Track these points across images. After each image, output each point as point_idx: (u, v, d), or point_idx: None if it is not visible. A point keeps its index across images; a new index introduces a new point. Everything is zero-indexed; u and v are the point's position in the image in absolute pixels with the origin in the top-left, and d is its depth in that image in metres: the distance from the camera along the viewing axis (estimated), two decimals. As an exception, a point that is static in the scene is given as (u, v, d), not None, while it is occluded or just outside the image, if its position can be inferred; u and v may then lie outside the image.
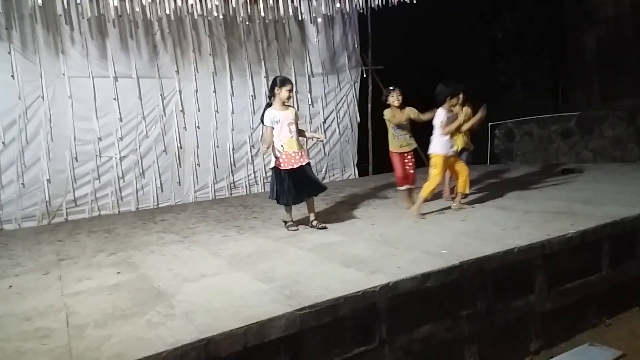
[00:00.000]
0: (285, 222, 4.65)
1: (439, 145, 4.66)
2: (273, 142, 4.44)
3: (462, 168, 4.77)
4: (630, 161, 7.44)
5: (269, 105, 4.54)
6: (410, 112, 5.03)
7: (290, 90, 4.46)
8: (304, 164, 4.46)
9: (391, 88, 5.10)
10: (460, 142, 5.31)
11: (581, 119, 8.20)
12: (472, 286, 2.99)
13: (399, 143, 5.06)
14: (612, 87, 7.98)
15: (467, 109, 5.29)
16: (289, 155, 4.42)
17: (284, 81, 4.52)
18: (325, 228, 4.51)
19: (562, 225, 3.61)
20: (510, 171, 7.34)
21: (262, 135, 4.61)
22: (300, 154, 4.47)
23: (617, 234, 3.61)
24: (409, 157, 5.13)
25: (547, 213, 4.15)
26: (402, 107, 5.05)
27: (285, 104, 4.50)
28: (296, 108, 4.76)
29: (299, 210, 4.98)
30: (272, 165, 4.53)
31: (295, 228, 4.54)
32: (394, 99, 5.02)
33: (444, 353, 2.88)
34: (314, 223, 4.58)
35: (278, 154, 4.44)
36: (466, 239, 3.52)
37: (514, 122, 9.18)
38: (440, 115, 4.67)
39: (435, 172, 4.66)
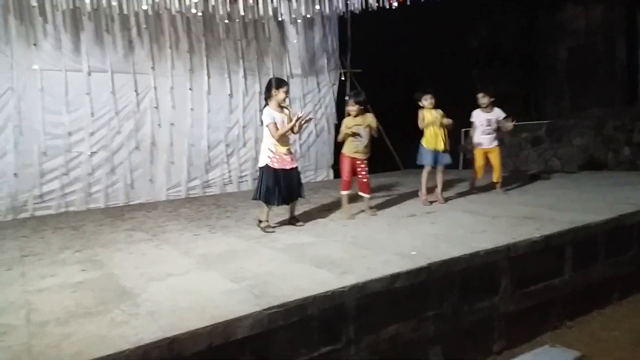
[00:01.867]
0: (261, 222, 4.58)
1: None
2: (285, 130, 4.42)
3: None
4: (596, 169, 7.69)
5: (266, 105, 4.55)
6: (372, 121, 4.96)
7: (287, 92, 4.48)
8: (294, 166, 4.53)
9: (346, 98, 5.05)
10: (440, 143, 5.37)
11: (551, 127, 8.45)
12: (439, 287, 3.04)
13: (354, 148, 4.91)
14: (581, 97, 8.27)
15: (439, 111, 5.35)
16: (281, 156, 4.45)
17: (281, 82, 4.55)
18: (302, 225, 4.63)
19: (528, 229, 3.71)
20: (481, 177, 7.47)
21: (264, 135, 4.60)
22: (290, 156, 4.53)
23: (580, 240, 3.73)
24: (362, 165, 4.97)
25: (514, 217, 4.26)
26: (363, 114, 4.95)
27: (282, 105, 4.52)
28: (291, 109, 4.73)
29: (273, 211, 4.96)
30: (262, 164, 4.50)
31: (272, 230, 4.50)
32: (349, 109, 4.96)
33: (409, 353, 2.92)
34: (295, 222, 4.68)
35: (271, 155, 4.44)
36: (435, 242, 3.58)
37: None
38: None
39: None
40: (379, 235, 4.03)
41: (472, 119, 5.87)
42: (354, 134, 4.88)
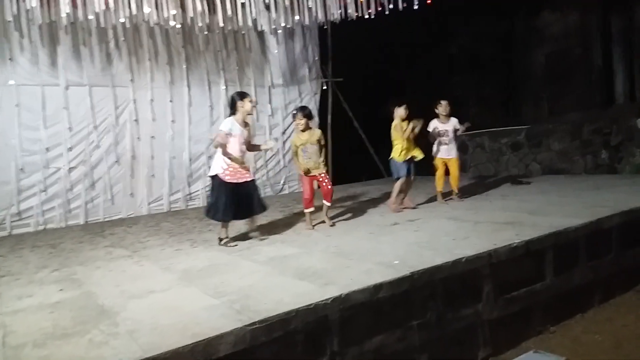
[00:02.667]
0: (221, 240, 4.46)
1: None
2: (224, 147, 4.34)
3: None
4: (576, 173, 7.83)
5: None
6: (320, 137, 4.99)
7: (254, 106, 4.47)
8: (247, 180, 4.40)
9: (294, 112, 5.07)
10: (413, 152, 5.44)
11: (530, 132, 8.59)
12: (422, 296, 3.04)
13: (306, 166, 4.93)
14: (559, 102, 8.41)
15: (414, 122, 5.40)
16: (235, 169, 4.36)
17: (244, 94, 4.52)
18: (265, 239, 4.55)
19: (509, 235, 3.74)
20: (463, 183, 7.56)
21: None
22: (244, 170, 4.42)
23: (561, 244, 3.77)
24: (322, 177, 4.98)
25: (496, 223, 4.30)
26: (310, 129, 4.96)
27: (246, 120, 4.47)
28: (254, 120, 4.71)
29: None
30: (213, 172, 4.39)
31: (234, 244, 4.40)
32: (296, 123, 4.97)
33: (394, 363, 2.90)
34: (255, 234, 4.61)
35: (225, 166, 4.35)
36: (418, 250, 3.59)
37: (467, 135, 9.49)
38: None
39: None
40: (362, 245, 4.03)
41: (429, 129, 5.86)
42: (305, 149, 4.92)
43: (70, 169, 6.96)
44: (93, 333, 2.46)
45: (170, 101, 7.82)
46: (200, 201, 8.05)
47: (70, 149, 6.96)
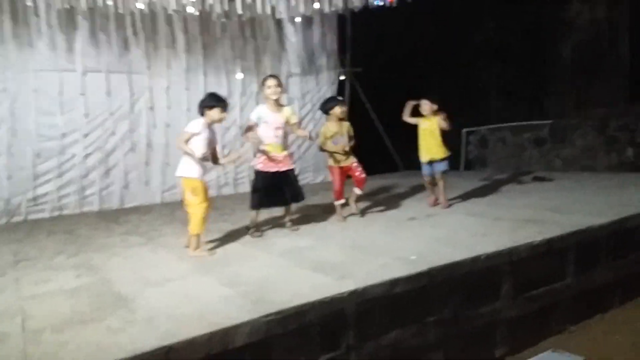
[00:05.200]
0: (249, 229, 4.47)
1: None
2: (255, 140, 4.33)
3: None
4: (600, 170, 7.64)
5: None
6: (349, 128, 4.93)
7: (271, 86, 4.31)
8: (283, 169, 4.38)
9: (340, 98, 4.99)
10: (435, 153, 5.23)
11: (554, 127, 8.38)
12: (440, 292, 3.00)
13: (337, 158, 4.86)
14: (585, 96, 8.19)
15: (434, 119, 5.26)
16: (270, 158, 4.34)
17: (265, 78, 4.45)
18: (297, 230, 4.51)
19: (530, 232, 3.67)
20: (483, 178, 7.45)
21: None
22: (281, 158, 4.38)
23: (583, 243, 3.69)
24: (353, 166, 4.90)
25: (516, 220, 4.21)
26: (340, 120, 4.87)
27: (279, 103, 4.41)
28: (290, 109, 4.63)
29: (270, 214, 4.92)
30: (253, 163, 4.45)
31: (259, 235, 4.40)
32: (339, 110, 4.85)
33: (410, 359, 2.87)
34: (288, 224, 4.58)
35: (259, 155, 4.35)
36: (436, 245, 3.54)
37: (488, 129, 9.32)
38: None
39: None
40: (379, 239, 3.99)
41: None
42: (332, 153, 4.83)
43: (86, 156, 6.99)
44: (110, 320, 2.48)
45: (186, 89, 7.80)
46: (214, 190, 8.05)
47: (86, 136, 6.99)
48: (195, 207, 3.84)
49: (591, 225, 3.81)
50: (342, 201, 4.92)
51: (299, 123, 5.20)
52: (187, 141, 3.85)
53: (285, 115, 4.46)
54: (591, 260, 3.78)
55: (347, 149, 4.85)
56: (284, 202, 4.53)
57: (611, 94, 7.76)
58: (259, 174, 4.38)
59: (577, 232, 3.68)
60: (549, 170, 8.09)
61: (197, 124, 3.90)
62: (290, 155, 4.64)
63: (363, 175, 4.93)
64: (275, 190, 4.35)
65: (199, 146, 3.88)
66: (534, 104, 8.99)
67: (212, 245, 4.14)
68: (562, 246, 3.58)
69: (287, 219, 4.67)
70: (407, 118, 5.31)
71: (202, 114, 3.98)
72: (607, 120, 7.61)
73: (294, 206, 4.78)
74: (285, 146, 4.50)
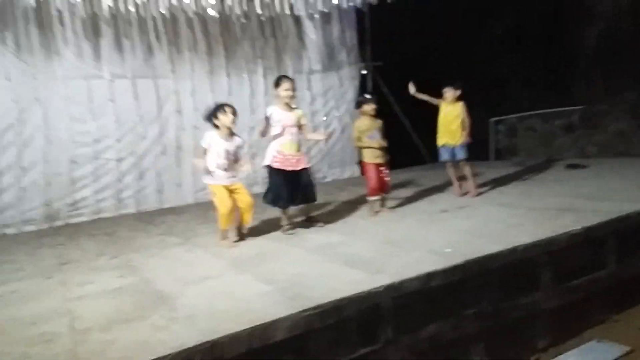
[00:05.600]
0: (282, 226, 4.51)
1: None
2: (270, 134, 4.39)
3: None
4: (636, 155, 7.37)
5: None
6: (381, 124, 4.91)
7: (288, 89, 4.34)
8: (298, 168, 4.39)
9: (368, 96, 4.97)
10: (454, 138, 5.21)
11: (584, 113, 8.14)
12: (477, 284, 2.97)
13: (375, 153, 4.83)
14: (614, 80, 7.93)
15: (461, 105, 5.21)
16: (285, 157, 4.36)
17: (279, 80, 4.45)
18: (322, 226, 4.54)
19: (567, 221, 3.58)
20: (514, 167, 7.29)
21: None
22: (297, 158, 4.41)
23: (623, 229, 3.59)
24: (384, 167, 4.88)
25: (551, 209, 4.12)
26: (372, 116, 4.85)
27: (290, 105, 4.43)
28: (301, 111, 4.66)
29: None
30: (266, 162, 4.44)
31: (292, 232, 4.43)
32: (370, 107, 4.83)
33: (450, 352, 2.86)
34: (312, 224, 4.60)
35: (275, 153, 4.38)
36: (470, 238, 3.50)
37: (517, 118, 9.11)
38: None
39: None
40: (411, 232, 3.96)
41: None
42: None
43: (119, 160, 7.18)
44: (154, 318, 2.54)
45: (211, 91, 7.90)
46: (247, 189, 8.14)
47: (118, 141, 7.17)
48: (219, 206, 4.14)
49: (630, 211, 3.69)
50: (378, 197, 4.88)
51: (309, 125, 5.19)
52: (202, 154, 4.13)
53: (297, 117, 4.48)
54: (632, 248, 3.67)
55: (384, 144, 4.83)
56: (295, 203, 4.52)
57: (638, 77, 7.48)
58: (272, 171, 4.39)
59: (616, 220, 3.58)
60: (582, 157, 7.86)
61: (206, 138, 4.14)
62: (305, 154, 4.65)
63: (388, 179, 4.93)
64: (289, 190, 4.35)
65: (214, 157, 4.11)
66: (562, 91, 8.75)
67: (237, 238, 4.34)
68: (601, 234, 3.49)
69: (311, 217, 4.70)
70: (419, 95, 5.27)
71: (214, 125, 4.14)
72: (638, 104, 7.34)
73: (321, 202, 4.79)
74: (300, 145, 4.50)
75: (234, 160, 4.22)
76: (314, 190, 4.57)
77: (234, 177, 4.24)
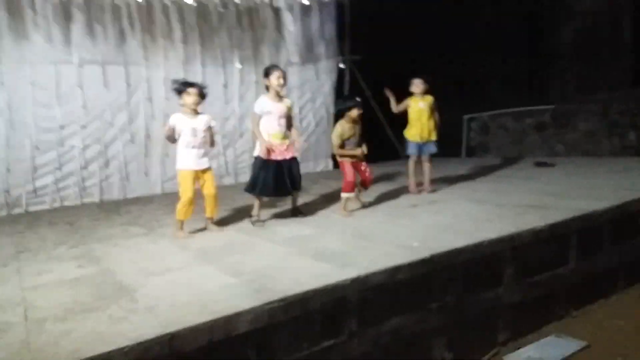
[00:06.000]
0: (251, 217, 4.48)
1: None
2: (260, 131, 4.37)
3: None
4: (602, 155, 7.60)
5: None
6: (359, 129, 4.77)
7: (280, 77, 4.32)
8: (287, 157, 4.39)
9: (358, 100, 4.73)
10: (425, 134, 5.24)
11: (556, 112, 8.32)
12: (442, 279, 3.00)
13: (354, 153, 4.69)
14: (587, 80, 8.14)
15: (429, 98, 5.24)
16: (274, 147, 4.35)
17: (269, 69, 4.41)
18: (304, 216, 4.56)
19: (533, 218, 3.66)
20: (485, 164, 7.42)
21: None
22: (285, 147, 4.41)
23: (586, 227, 3.68)
24: (363, 163, 4.78)
25: (519, 206, 4.20)
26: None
27: (280, 94, 4.41)
28: (290, 101, 4.62)
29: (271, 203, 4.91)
30: (256, 153, 4.44)
31: (261, 224, 4.40)
32: (355, 113, 4.60)
33: (413, 345, 2.88)
34: (297, 214, 4.62)
35: (262, 145, 4.35)
36: (438, 233, 3.53)
37: (489, 115, 9.25)
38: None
39: None
40: (381, 227, 3.97)
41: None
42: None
43: (85, 147, 6.96)
44: (113, 309, 2.49)
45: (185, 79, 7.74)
46: (216, 181, 8.02)
47: (84, 127, 6.95)
48: (181, 194, 4.20)
49: (594, 210, 3.79)
50: (352, 195, 4.76)
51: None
52: (169, 134, 4.12)
53: (287, 107, 4.47)
54: (594, 245, 3.77)
55: (365, 152, 4.70)
56: (287, 192, 4.53)
57: (613, 78, 7.71)
58: (260, 160, 4.37)
59: (580, 217, 3.67)
60: (552, 156, 8.06)
61: (171, 120, 4.16)
62: (293, 143, 4.59)
63: (368, 174, 4.80)
64: (277, 180, 4.34)
65: (182, 137, 4.13)
66: (535, 89, 8.93)
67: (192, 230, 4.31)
68: (565, 231, 3.57)
69: (296, 207, 4.71)
70: (397, 108, 5.30)
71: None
72: (609, 105, 7.55)
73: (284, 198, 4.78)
74: (287, 135, 4.49)
75: (203, 138, 4.18)
76: (300, 179, 4.55)
77: (204, 157, 4.24)
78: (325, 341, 2.57)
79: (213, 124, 4.28)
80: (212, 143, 4.29)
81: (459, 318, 3.03)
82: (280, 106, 4.39)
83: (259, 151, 4.39)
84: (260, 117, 4.37)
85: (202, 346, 2.20)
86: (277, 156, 4.35)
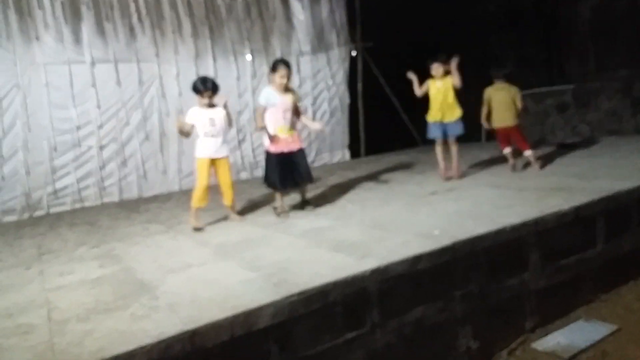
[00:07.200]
0: (275, 208, 4.54)
1: None
2: (265, 124, 4.36)
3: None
4: (627, 134, 7.36)
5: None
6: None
7: (284, 76, 4.30)
8: (294, 149, 4.38)
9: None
10: (447, 114, 5.14)
11: (577, 91, 8.07)
12: (465, 266, 2.93)
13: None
14: (607, 58, 7.86)
15: (448, 80, 5.12)
16: (281, 139, 4.35)
17: (275, 65, 4.38)
18: (312, 209, 4.53)
19: (556, 201, 3.55)
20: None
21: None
22: (291, 139, 4.39)
23: (612, 208, 3.57)
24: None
25: (542, 189, 4.09)
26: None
27: (286, 86, 4.39)
28: (296, 91, 4.60)
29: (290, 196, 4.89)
30: (265, 147, 4.48)
31: (286, 214, 4.42)
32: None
33: (437, 335, 2.83)
34: (304, 206, 4.57)
35: (269, 137, 4.36)
36: (459, 219, 3.45)
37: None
38: None
39: None
40: (399, 216, 3.91)
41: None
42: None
43: (102, 147, 7.03)
44: (134, 307, 2.50)
45: (197, 75, 7.72)
46: (233, 176, 8.02)
47: (100, 127, 7.01)
48: (197, 182, 4.44)
49: (619, 190, 3.66)
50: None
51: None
52: (187, 129, 4.36)
53: (292, 99, 4.44)
54: (620, 227, 3.66)
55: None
56: (296, 184, 4.51)
57: (634, 54, 7.42)
58: (270, 155, 4.39)
59: (605, 199, 3.56)
60: (575, 136, 7.84)
61: (189, 114, 4.38)
62: (299, 135, 4.60)
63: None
64: (287, 172, 4.34)
65: (200, 127, 4.34)
66: (554, 69, 8.66)
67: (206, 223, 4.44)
68: (590, 213, 3.46)
69: (305, 200, 4.67)
70: (420, 91, 5.20)
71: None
72: (631, 82, 7.29)
73: (309, 186, 4.77)
74: (294, 127, 4.47)
75: (220, 127, 4.40)
76: (309, 171, 4.53)
77: (223, 145, 4.47)
78: (347, 333, 2.55)
79: (226, 100, 4.46)
80: (230, 122, 4.47)
81: (484, 306, 2.96)
82: (285, 99, 4.36)
83: (266, 145, 4.40)
84: (265, 109, 4.34)
85: (223, 342, 2.20)
86: (283, 148, 4.34)
